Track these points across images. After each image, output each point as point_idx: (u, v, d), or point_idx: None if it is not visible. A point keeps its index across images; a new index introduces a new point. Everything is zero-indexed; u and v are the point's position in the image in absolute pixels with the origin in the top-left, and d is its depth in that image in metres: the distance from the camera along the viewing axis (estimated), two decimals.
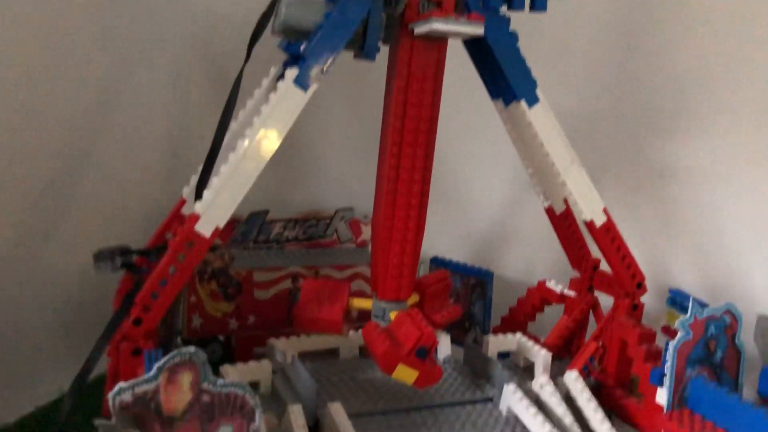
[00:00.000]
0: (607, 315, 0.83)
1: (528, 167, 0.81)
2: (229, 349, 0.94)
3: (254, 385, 0.68)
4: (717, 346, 0.70)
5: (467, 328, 0.99)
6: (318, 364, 0.79)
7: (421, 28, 0.64)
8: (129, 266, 0.66)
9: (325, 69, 0.64)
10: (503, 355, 0.85)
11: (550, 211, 0.84)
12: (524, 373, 0.82)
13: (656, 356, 0.74)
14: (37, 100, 0.80)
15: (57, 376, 0.82)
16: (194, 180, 0.69)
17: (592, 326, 0.90)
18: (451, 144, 0.83)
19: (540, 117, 0.72)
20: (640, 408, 0.76)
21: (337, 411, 0.65)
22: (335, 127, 1.06)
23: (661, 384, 0.69)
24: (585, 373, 0.80)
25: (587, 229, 0.78)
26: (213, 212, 0.61)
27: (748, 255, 1.04)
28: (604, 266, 0.87)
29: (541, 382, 0.75)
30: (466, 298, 1.00)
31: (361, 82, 0.89)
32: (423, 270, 1.00)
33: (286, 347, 0.78)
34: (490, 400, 0.76)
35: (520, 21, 0.74)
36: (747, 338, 0.93)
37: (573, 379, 0.76)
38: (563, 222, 0.84)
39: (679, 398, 0.67)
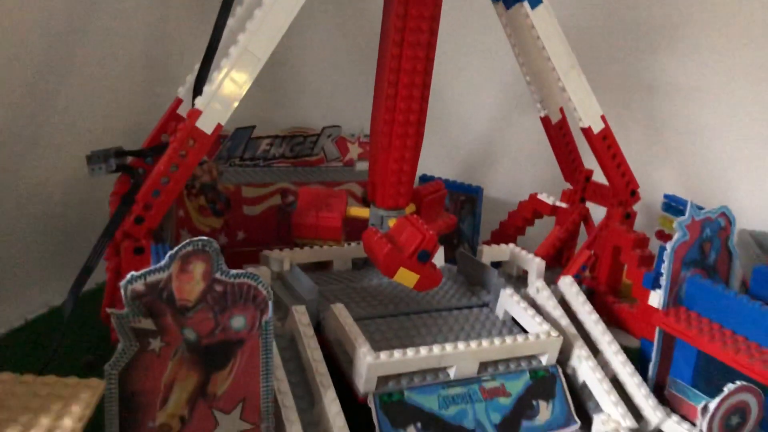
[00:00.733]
0: (600, 223, 0.84)
1: (526, 74, 0.80)
2: None
3: None
4: (711, 249, 0.71)
5: (456, 245, 0.99)
6: (314, 274, 0.79)
7: None
8: (125, 168, 0.64)
9: None
10: (495, 266, 0.85)
11: (545, 121, 0.84)
12: (517, 281, 0.83)
13: (650, 261, 0.76)
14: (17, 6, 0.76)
15: (44, 287, 0.81)
16: (190, 78, 0.67)
17: (581, 239, 0.91)
18: (440, 62, 0.81)
19: (542, 18, 0.71)
20: (632, 312, 0.78)
21: (340, 311, 0.65)
22: (321, 44, 1.03)
23: (654, 287, 0.71)
24: (578, 281, 0.81)
25: (585, 136, 0.78)
26: (214, 108, 0.59)
27: (732, 169, 1.07)
28: (596, 178, 0.88)
29: (538, 287, 0.76)
30: (456, 214, 1.00)
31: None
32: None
33: (281, 256, 0.77)
34: (486, 305, 0.76)
35: None
36: None
37: (568, 284, 0.77)
38: (558, 132, 0.84)
39: (675, 298, 0.69)
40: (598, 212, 0.88)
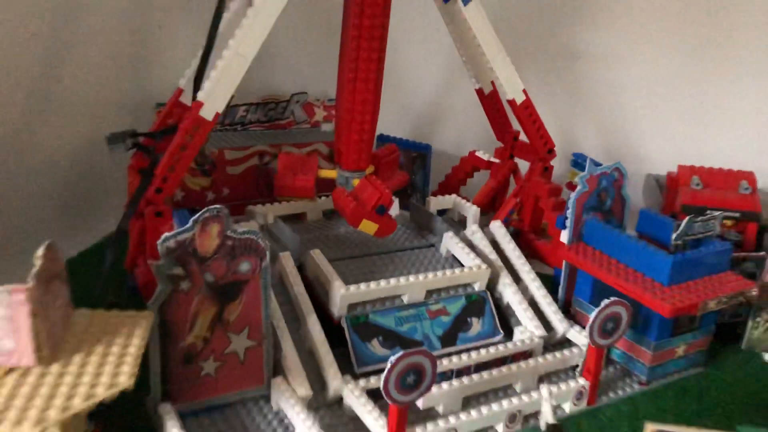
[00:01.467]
0: (524, 176, 1.02)
1: (462, 55, 0.97)
2: None
3: None
4: (607, 196, 0.90)
5: (410, 195, 1.16)
6: (292, 225, 0.96)
7: None
8: (140, 147, 0.80)
9: None
10: (441, 213, 1.03)
11: (480, 92, 1.01)
12: (458, 225, 1.01)
13: (561, 206, 0.94)
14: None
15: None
16: (188, 72, 0.82)
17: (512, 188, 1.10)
18: (394, 33, 0.96)
19: (473, 13, 0.87)
20: (548, 247, 0.97)
21: (318, 255, 0.83)
22: (290, 18, 1.17)
23: (564, 227, 0.90)
24: (507, 224, 1.00)
25: (510, 107, 0.96)
26: (214, 100, 0.75)
27: (642, 125, 1.25)
28: (523, 137, 1.06)
29: (473, 230, 0.95)
30: (409, 168, 1.17)
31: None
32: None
33: (266, 211, 0.94)
34: (432, 245, 0.95)
35: None
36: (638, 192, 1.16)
37: (497, 227, 0.96)
38: (490, 101, 1.01)
39: (577, 236, 0.88)
40: (524, 165, 1.07)
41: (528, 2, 1.20)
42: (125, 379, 0.53)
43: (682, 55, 1.16)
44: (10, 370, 0.53)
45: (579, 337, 0.84)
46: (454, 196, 1.03)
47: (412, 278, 0.82)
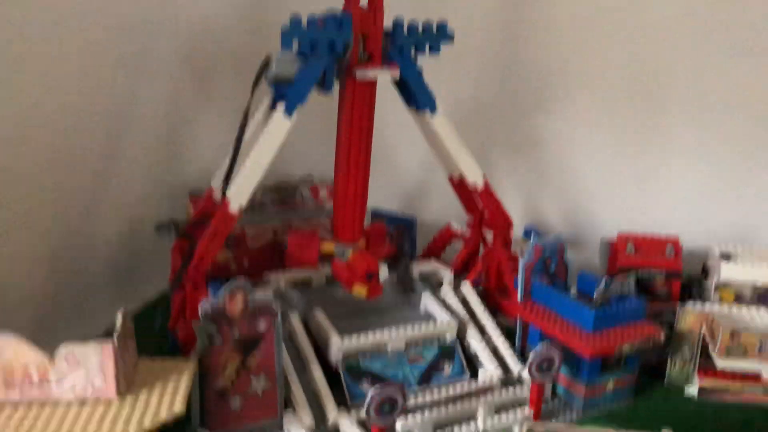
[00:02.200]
0: (489, 245, 1.25)
1: (433, 151, 1.20)
2: None
3: None
4: (551, 262, 1.12)
5: (400, 260, 1.38)
6: (300, 289, 1.18)
7: (360, 75, 1.02)
8: (183, 233, 1.04)
9: (302, 103, 1.01)
10: (423, 276, 1.25)
11: (450, 179, 1.23)
12: (437, 287, 1.23)
13: (517, 271, 1.17)
14: (86, 107, 1.14)
15: (110, 310, 1.19)
16: (218, 173, 1.06)
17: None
18: (385, 121, 1.18)
19: (438, 121, 1.10)
20: (509, 304, 1.19)
21: (319, 314, 1.05)
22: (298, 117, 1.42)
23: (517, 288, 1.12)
24: (477, 284, 1.22)
25: (472, 190, 1.19)
26: (238, 197, 0.99)
27: (596, 196, 1.45)
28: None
29: (446, 290, 1.16)
30: (398, 237, 1.39)
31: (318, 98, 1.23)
32: (367, 218, 1.40)
33: (279, 279, 1.16)
34: (415, 305, 1.17)
35: None
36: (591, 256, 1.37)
37: (467, 287, 1.18)
38: (459, 185, 1.23)
39: (527, 295, 1.10)
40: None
41: (494, 94, 1.43)
42: (179, 407, 0.75)
43: (624, 139, 1.38)
44: (97, 400, 0.75)
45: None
46: (433, 261, 1.25)
47: (394, 332, 1.04)
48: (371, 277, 1.08)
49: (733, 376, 1.04)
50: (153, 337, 0.99)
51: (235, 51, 1.34)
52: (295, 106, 1.00)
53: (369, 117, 1.07)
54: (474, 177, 1.16)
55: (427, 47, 1.08)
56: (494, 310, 1.17)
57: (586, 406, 1.01)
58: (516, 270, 1.16)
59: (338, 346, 0.99)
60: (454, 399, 0.98)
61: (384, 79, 1.04)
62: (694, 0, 1.28)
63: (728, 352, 1.01)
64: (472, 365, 1.08)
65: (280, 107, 0.99)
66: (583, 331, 0.99)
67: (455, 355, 1.07)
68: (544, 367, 0.94)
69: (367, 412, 0.83)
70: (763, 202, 1.32)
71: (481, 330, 1.11)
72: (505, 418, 0.95)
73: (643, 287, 1.18)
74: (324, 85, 1.02)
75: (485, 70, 1.42)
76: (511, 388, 1.01)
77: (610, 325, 0.99)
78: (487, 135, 1.45)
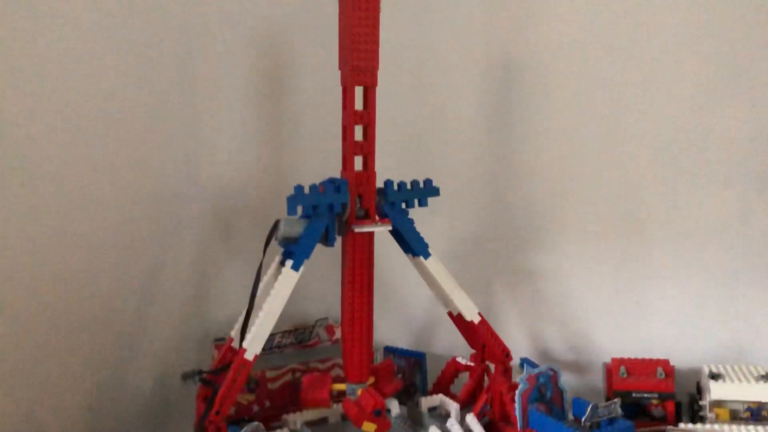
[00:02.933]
0: (491, 376, 1.33)
1: (432, 290, 1.32)
2: None
3: None
4: (546, 390, 1.20)
5: (412, 393, 1.47)
6: (316, 428, 1.27)
7: (358, 229, 1.16)
8: (205, 381, 1.15)
9: (307, 258, 1.15)
10: (432, 408, 1.33)
11: (450, 314, 1.34)
12: (445, 418, 1.30)
13: None
14: (124, 272, 1.30)
15: None
16: (237, 326, 1.19)
17: None
18: (395, 264, 1.31)
19: (432, 265, 1.23)
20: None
21: None
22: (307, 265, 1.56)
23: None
24: (482, 415, 1.29)
25: (469, 326, 1.29)
26: (253, 346, 1.11)
27: (594, 322, 1.55)
28: None
29: (452, 422, 1.24)
30: (410, 372, 1.48)
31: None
32: (379, 355, 1.50)
33: (295, 418, 1.25)
34: None
35: None
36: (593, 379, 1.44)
37: (471, 419, 1.25)
38: (459, 320, 1.33)
39: (525, 422, 1.17)
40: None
41: (490, 230, 1.55)
42: None
43: (613, 268, 1.49)
44: None
45: None
46: (440, 395, 1.33)
47: None
48: (379, 414, 1.17)
49: None
50: None
51: (254, 212, 1.50)
52: (302, 262, 1.14)
53: (369, 263, 1.20)
54: (469, 313, 1.27)
55: (416, 202, 1.22)
56: None
57: None
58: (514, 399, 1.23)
59: None
60: None
61: (379, 231, 1.18)
62: (664, 137, 1.43)
63: None
64: None
65: (289, 263, 1.13)
66: None
67: None
68: None
69: None
70: (748, 321, 1.40)
71: None
72: None
73: (640, 409, 1.24)
74: (327, 240, 1.16)
75: (479, 212, 1.55)
76: None
77: None
78: (487, 268, 1.56)
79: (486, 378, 1.35)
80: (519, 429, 1.17)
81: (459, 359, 1.39)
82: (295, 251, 1.14)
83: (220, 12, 1.42)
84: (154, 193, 1.36)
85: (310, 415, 1.27)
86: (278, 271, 1.16)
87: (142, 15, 1.29)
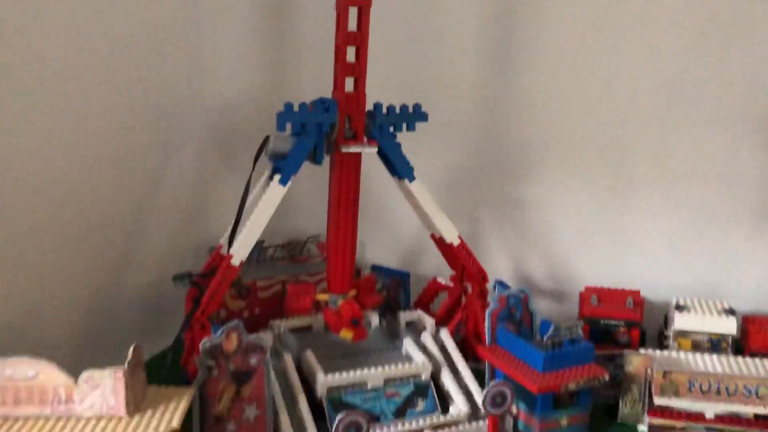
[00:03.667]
0: (468, 297, 1.40)
1: (416, 213, 1.38)
2: None
3: None
4: (516, 311, 1.26)
5: (396, 310, 1.54)
6: (300, 334, 1.35)
7: (344, 149, 1.21)
8: (194, 283, 1.22)
9: (295, 173, 1.20)
10: (410, 323, 1.40)
11: (433, 236, 1.40)
12: (420, 332, 1.38)
13: None
14: (122, 179, 1.36)
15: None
16: (226, 234, 1.25)
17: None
18: (386, 188, 1.37)
19: (416, 188, 1.28)
20: (482, 349, 1.33)
21: (309, 354, 1.21)
22: (304, 184, 1.61)
23: None
24: (456, 331, 1.37)
25: (450, 248, 1.35)
26: (239, 252, 1.17)
27: (573, 252, 1.60)
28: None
29: (425, 336, 1.32)
30: (395, 290, 1.55)
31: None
32: (367, 272, 1.57)
33: (280, 325, 1.33)
34: (397, 348, 1.32)
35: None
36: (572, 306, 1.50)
37: (445, 334, 1.33)
38: (440, 242, 1.38)
39: (494, 340, 1.24)
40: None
41: (480, 161, 1.58)
42: (176, 423, 0.92)
43: (598, 203, 1.52)
44: (111, 417, 0.93)
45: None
46: (418, 311, 1.39)
47: (373, 370, 1.19)
48: (356, 323, 1.24)
49: (680, 414, 1.16)
50: (173, 372, 1.18)
51: (253, 128, 1.55)
52: (289, 177, 1.19)
53: (355, 183, 1.25)
54: (450, 236, 1.33)
55: (404, 126, 1.26)
56: (471, 355, 1.32)
57: None
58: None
59: (323, 381, 1.15)
60: (425, 431, 1.12)
61: (366, 152, 1.23)
62: (657, 79, 1.43)
63: (662, 391, 1.13)
64: (445, 403, 1.21)
65: (277, 178, 1.19)
66: (534, 371, 1.13)
67: (428, 393, 1.21)
68: (498, 401, 1.08)
69: None
70: (725, 261, 1.44)
71: (455, 371, 1.25)
72: None
73: (608, 336, 1.31)
74: (315, 159, 1.21)
75: (472, 141, 1.58)
76: (475, 423, 1.15)
77: (560, 365, 1.13)
78: (474, 197, 1.61)
79: (463, 298, 1.42)
80: (487, 344, 1.24)
81: (439, 279, 1.46)
82: (283, 167, 1.19)
83: None
84: (156, 106, 1.41)
85: (295, 322, 1.35)
86: (266, 186, 1.21)
87: None
